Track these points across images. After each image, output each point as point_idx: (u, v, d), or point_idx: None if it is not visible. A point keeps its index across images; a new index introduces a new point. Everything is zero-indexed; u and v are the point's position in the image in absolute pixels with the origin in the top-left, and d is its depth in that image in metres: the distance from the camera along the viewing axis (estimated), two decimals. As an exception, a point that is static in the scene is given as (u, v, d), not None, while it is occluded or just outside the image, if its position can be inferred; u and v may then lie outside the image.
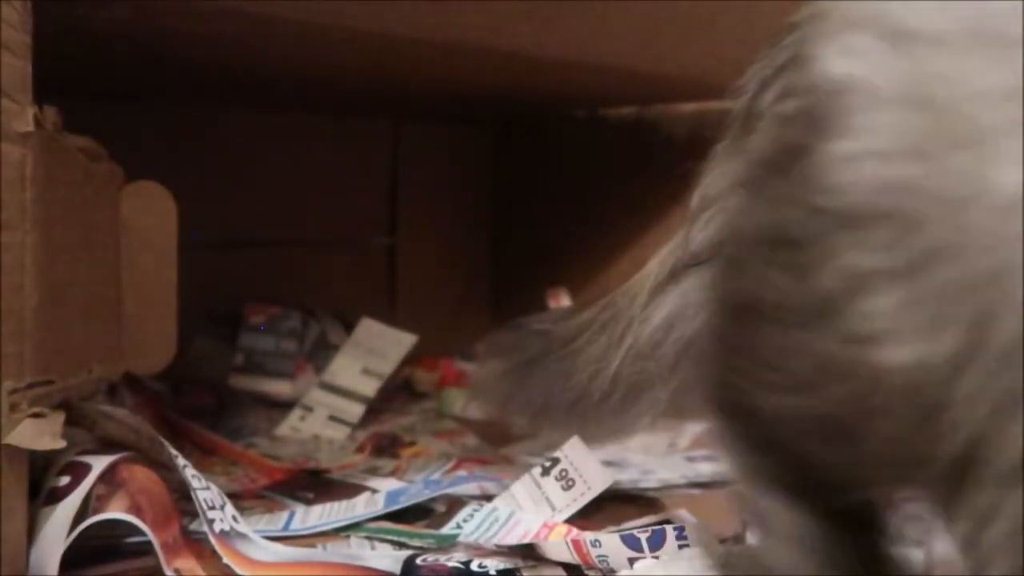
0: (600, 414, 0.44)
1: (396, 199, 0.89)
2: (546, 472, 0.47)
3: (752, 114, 0.34)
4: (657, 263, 0.42)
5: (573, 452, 0.47)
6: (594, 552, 0.39)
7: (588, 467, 0.46)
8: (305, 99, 0.76)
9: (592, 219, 0.85)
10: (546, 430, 0.50)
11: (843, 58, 0.28)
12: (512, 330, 0.51)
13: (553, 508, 0.45)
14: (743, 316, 0.31)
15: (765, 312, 0.29)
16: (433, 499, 0.49)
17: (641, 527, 0.40)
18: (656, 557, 0.38)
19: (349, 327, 0.73)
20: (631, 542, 0.38)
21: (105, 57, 0.54)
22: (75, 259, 0.39)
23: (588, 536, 0.39)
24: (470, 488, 0.50)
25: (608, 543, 0.38)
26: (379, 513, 0.46)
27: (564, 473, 0.46)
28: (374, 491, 0.50)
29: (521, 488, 0.47)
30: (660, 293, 0.41)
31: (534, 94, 0.74)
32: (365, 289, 0.88)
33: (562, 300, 0.86)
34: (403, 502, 0.47)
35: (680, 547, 0.38)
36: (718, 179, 0.38)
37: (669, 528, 0.38)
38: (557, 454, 0.47)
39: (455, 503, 0.48)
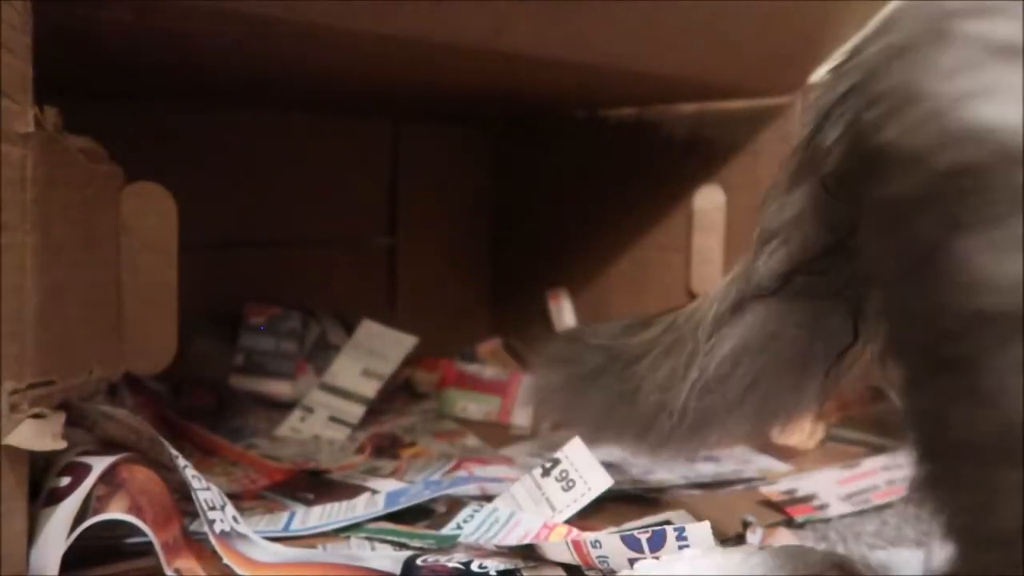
0: (665, 440, 0.44)
1: (396, 199, 0.89)
2: (547, 473, 0.47)
3: (816, 148, 0.33)
4: (720, 290, 0.41)
5: (574, 453, 0.47)
6: (594, 552, 0.39)
7: (589, 468, 0.46)
8: (305, 99, 0.76)
9: (592, 219, 0.85)
10: (606, 443, 0.49)
11: (979, 102, 0.25)
12: (569, 341, 0.51)
13: (553, 509, 0.45)
14: None
15: None
16: (433, 500, 0.49)
17: (641, 528, 0.40)
18: (656, 557, 0.38)
19: (349, 327, 0.73)
20: (631, 543, 0.38)
21: (105, 58, 0.54)
22: (75, 260, 0.39)
23: (588, 536, 0.39)
24: (470, 489, 0.50)
25: (608, 544, 0.38)
26: (379, 514, 0.46)
27: (565, 474, 0.46)
28: (374, 492, 0.50)
29: (521, 489, 0.47)
30: (724, 324, 0.40)
31: (534, 95, 0.74)
32: (365, 289, 0.88)
33: (562, 300, 0.87)
34: (403, 503, 0.47)
35: (680, 547, 0.38)
36: (780, 211, 0.37)
37: (669, 528, 0.38)
38: (558, 455, 0.47)
39: (455, 503, 0.48)
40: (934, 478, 0.28)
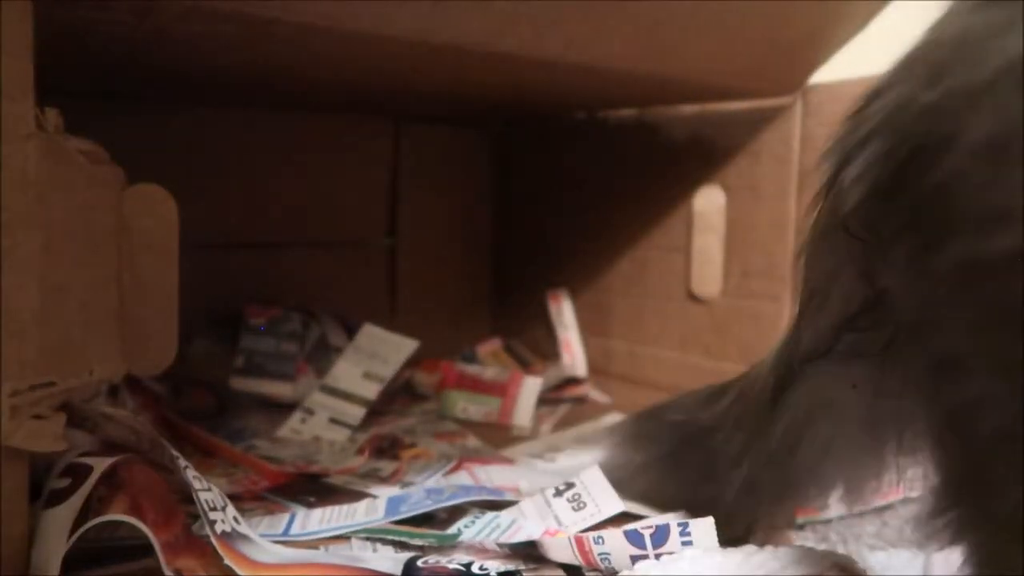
0: (747, 517, 0.42)
1: (396, 199, 0.89)
2: (559, 494, 0.47)
3: (837, 193, 0.32)
4: (773, 355, 0.40)
5: (590, 480, 0.47)
6: (596, 550, 0.39)
7: (603, 494, 0.46)
8: (305, 100, 0.76)
9: (592, 221, 0.85)
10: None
11: None
12: (647, 419, 0.50)
13: (560, 524, 0.46)
14: None
15: None
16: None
17: (644, 524, 0.40)
18: (659, 554, 0.38)
19: (350, 329, 0.73)
20: (634, 538, 0.38)
21: (106, 59, 0.54)
22: (76, 261, 0.39)
23: (591, 532, 0.39)
24: (472, 499, 0.50)
25: (611, 540, 0.38)
26: (379, 521, 0.46)
27: (577, 496, 0.47)
28: (375, 497, 0.50)
29: (530, 505, 0.47)
30: (785, 390, 0.38)
31: (535, 95, 0.74)
32: (365, 290, 0.88)
33: (562, 301, 0.87)
34: (404, 512, 0.47)
35: (684, 543, 0.38)
36: (813, 266, 0.35)
37: (673, 524, 0.38)
38: (574, 479, 0.47)
39: (457, 509, 0.48)
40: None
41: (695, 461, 0.44)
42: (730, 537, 0.40)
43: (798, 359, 0.37)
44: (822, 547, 0.46)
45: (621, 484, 0.47)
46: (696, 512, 0.43)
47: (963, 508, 0.29)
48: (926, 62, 0.29)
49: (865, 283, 0.33)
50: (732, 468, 0.41)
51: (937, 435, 0.31)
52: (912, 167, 0.28)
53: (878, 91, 0.31)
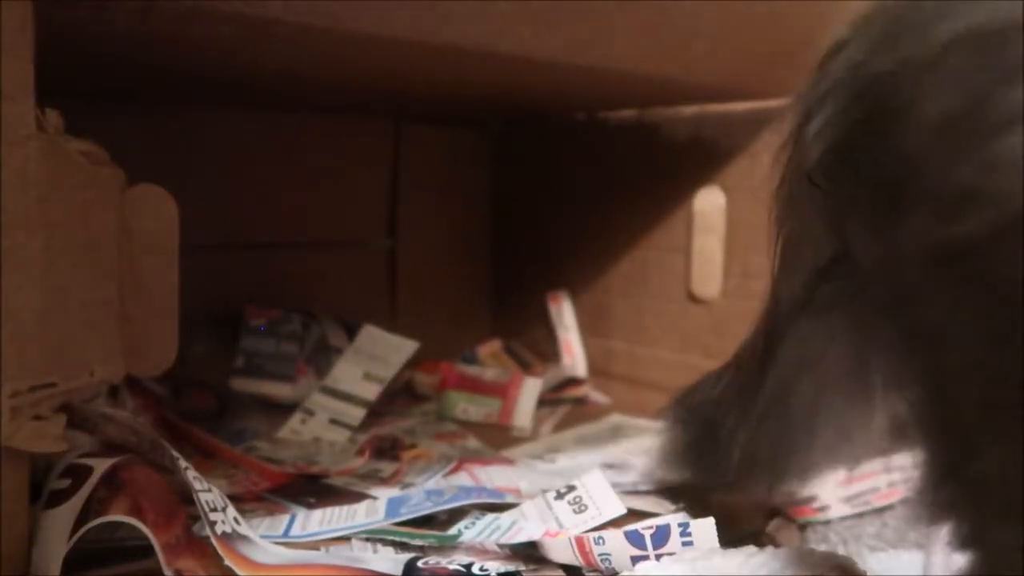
0: (750, 484, 0.42)
1: (396, 200, 0.89)
2: (560, 496, 0.47)
3: (801, 144, 0.32)
4: (761, 314, 0.39)
5: (592, 483, 0.47)
6: (597, 550, 0.39)
7: (604, 497, 0.46)
8: (305, 100, 0.76)
9: (592, 221, 0.85)
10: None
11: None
12: (678, 405, 0.49)
13: (561, 526, 0.46)
14: None
15: None
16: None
17: (645, 525, 0.40)
18: (660, 555, 0.38)
19: (350, 329, 0.73)
20: (635, 538, 0.38)
21: (106, 60, 0.54)
22: (76, 262, 0.39)
23: (592, 533, 0.39)
24: (472, 501, 0.50)
25: (612, 540, 0.38)
26: (380, 523, 0.46)
27: (578, 499, 0.47)
28: (375, 499, 0.50)
29: (531, 507, 0.47)
30: (772, 351, 0.38)
31: (534, 96, 0.74)
32: (366, 291, 0.88)
33: (562, 302, 0.87)
34: (404, 514, 0.47)
35: (684, 544, 0.38)
36: (784, 218, 0.35)
37: (673, 524, 0.38)
38: (575, 483, 0.47)
39: (457, 511, 0.48)
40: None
41: (709, 441, 0.43)
42: (746, 529, 0.39)
43: (781, 316, 0.36)
44: (822, 548, 0.46)
45: (671, 465, 0.46)
46: (724, 486, 0.43)
47: (950, 480, 0.28)
48: (881, 24, 0.28)
49: (833, 235, 0.32)
50: (731, 442, 0.40)
51: (916, 405, 0.30)
52: (867, 133, 0.28)
53: (839, 45, 0.30)
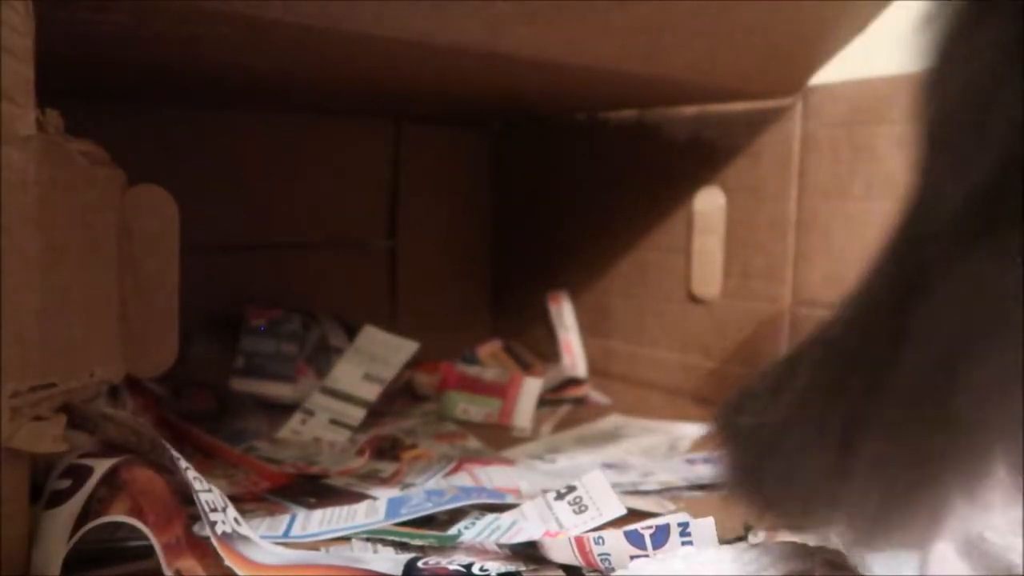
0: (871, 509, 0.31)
1: (396, 200, 0.89)
2: (560, 497, 0.47)
3: None
4: (890, 246, 0.28)
5: (592, 484, 0.47)
6: (596, 550, 0.39)
7: (604, 497, 0.46)
8: (305, 101, 0.77)
9: (592, 222, 0.85)
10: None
11: None
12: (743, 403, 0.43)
13: (561, 527, 0.46)
14: None
15: None
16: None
17: (645, 524, 0.40)
18: (660, 554, 0.38)
19: (350, 330, 0.73)
20: (634, 538, 0.38)
21: (106, 61, 0.54)
22: (77, 263, 0.39)
23: (591, 533, 0.39)
24: (472, 502, 0.50)
25: (611, 540, 0.38)
26: (380, 523, 0.46)
27: (578, 499, 0.47)
28: (375, 499, 0.50)
29: (531, 508, 0.47)
30: (916, 295, 0.25)
31: (534, 96, 0.74)
32: (366, 291, 0.88)
33: (562, 302, 0.87)
34: (404, 514, 0.47)
35: (684, 543, 0.38)
36: (960, 79, 0.25)
37: (673, 524, 0.38)
38: (575, 483, 0.47)
39: (457, 512, 0.48)
40: None
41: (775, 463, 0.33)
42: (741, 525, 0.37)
43: (939, 241, 0.24)
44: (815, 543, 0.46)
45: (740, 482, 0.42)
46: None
47: None
48: None
49: None
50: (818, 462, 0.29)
51: None
52: None
53: None
